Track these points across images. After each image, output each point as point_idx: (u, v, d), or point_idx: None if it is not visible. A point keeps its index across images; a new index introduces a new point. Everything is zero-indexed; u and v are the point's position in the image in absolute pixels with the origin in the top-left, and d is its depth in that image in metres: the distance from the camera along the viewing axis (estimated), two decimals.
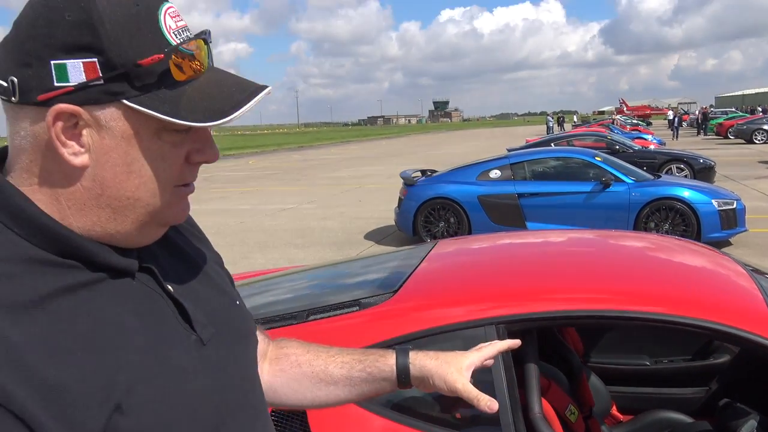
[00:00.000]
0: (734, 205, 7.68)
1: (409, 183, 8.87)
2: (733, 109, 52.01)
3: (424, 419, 1.74)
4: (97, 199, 0.69)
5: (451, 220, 8.47)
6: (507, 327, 1.76)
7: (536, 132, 41.25)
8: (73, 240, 0.68)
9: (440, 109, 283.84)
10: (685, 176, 12.23)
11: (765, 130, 28.23)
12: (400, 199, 8.97)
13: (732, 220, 7.63)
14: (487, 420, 1.70)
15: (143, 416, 0.66)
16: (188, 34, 0.71)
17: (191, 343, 0.75)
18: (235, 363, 0.82)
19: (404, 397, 1.79)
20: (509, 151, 12.81)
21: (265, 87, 0.72)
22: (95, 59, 0.64)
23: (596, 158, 8.62)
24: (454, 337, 1.79)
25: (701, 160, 13.04)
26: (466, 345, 1.79)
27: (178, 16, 0.70)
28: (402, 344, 1.77)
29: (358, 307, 1.92)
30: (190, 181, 0.75)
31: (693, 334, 2.43)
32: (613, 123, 30.00)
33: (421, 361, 1.03)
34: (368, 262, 2.81)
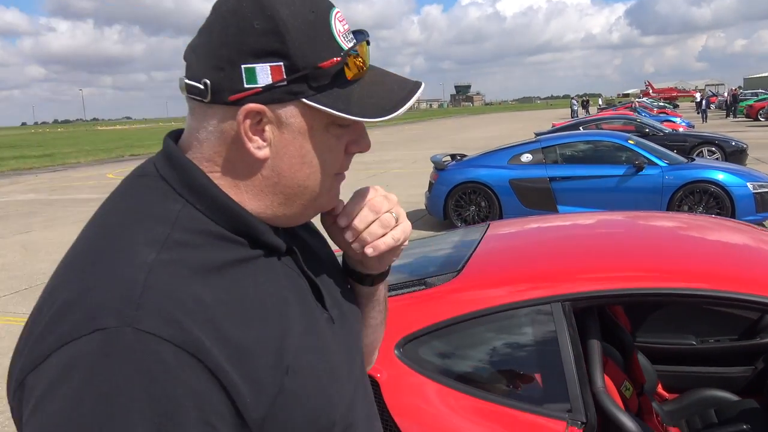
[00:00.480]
0: None
1: (439, 167, 8.91)
2: (763, 91, 50.93)
3: (496, 392, 1.82)
4: (273, 187, 0.77)
5: (482, 204, 8.51)
6: (573, 304, 1.83)
7: (560, 116, 40.82)
8: (247, 219, 0.75)
9: (462, 93, 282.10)
10: (717, 159, 12.10)
11: None
12: (430, 183, 9.02)
13: (767, 202, 7.57)
14: (555, 394, 1.78)
15: (306, 379, 0.74)
16: (352, 36, 0.77)
17: (325, 320, 0.82)
18: (356, 343, 0.91)
19: (475, 371, 1.87)
20: (537, 135, 12.77)
21: (420, 83, 0.80)
22: (281, 63, 0.71)
23: (629, 141, 8.57)
24: (520, 314, 1.87)
25: (733, 143, 12.87)
26: (533, 322, 1.88)
27: (344, 19, 0.77)
28: (467, 322, 1.87)
29: (424, 286, 2.01)
30: (345, 170, 0.83)
31: (751, 309, 2.48)
32: (632, 107, 29.46)
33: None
34: (424, 243, 2.90)
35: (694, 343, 3.01)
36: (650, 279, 1.91)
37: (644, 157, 8.18)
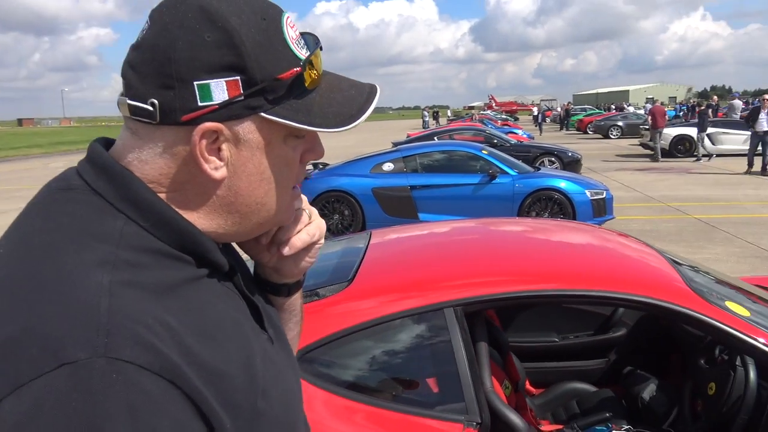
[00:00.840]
0: (604, 195, 8.42)
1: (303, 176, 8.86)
2: (591, 107, 56.26)
3: (394, 400, 1.84)
4: (228, 206, 0.72)
5: (346, 212, 8.60)
6: (464, 309, 1.90)
7: (413, 126, 42.33)
8: (196, 237, 0.70)
9: None
10: (556, 168, 13.16)
11: (619, 126, 30.81)
12: None
13: (602, 208, 8.36)
14: (451, 397, 1.84)
15: (276, 400, 0.71)
16: (303, 41, 0.73)
17: (265, 340, 0.77)
18: (293, 359, 0.87)
19: (373, 380, 1.88)
20: (395, 144, 13.15)
21: (376, 87, 0.77)
22: (238, 77, 0.66)
23: (483, 151, 9.09)
24: (414, 320, 1.91)
25: (569, 154, 14.07)
26: (429, 327, 1.93)
27: (295, 25, 0.73)
28: (363, 331, 1.88)
29: (317, 297, 1.99)
30: (301, 180, 0.79)
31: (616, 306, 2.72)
32: (472, 119, 31.51)
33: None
34: None
35: (557, 340, 3.25)
36: (534, 281, 2.03)
37: (497, 166, 8.71)
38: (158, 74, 0.65)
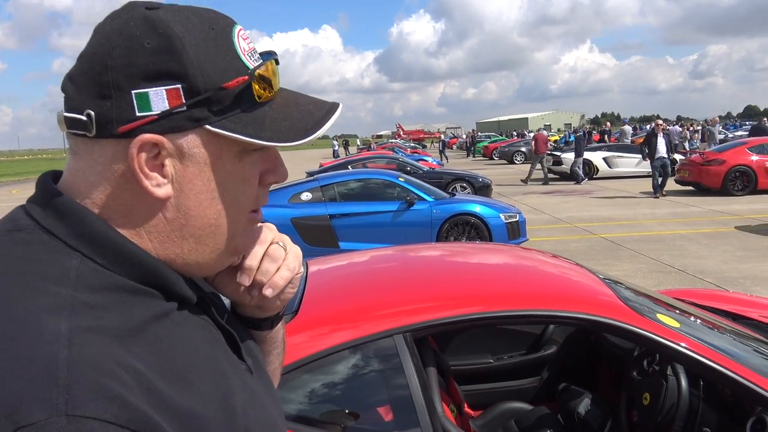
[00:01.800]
0: (517, 218, 8.72)
1: None
2: (494, 134, 58.46)
3: (350, 431, 1.80)
4: (180, 230, 0.66)
5: None
6: (413, 334, 1.90)
7: (323, 155, 42.41)
8: (159, 268, 0.65)
9: None
10: (468, 193, 13.54)
11: (522, 152, 32.18)
12: None
13: (516, 231, 8.65)
14: (405, 424, 1.82)
15: None
16: (258, 56, 0.69)
17: (244, 371, 0.73)
18: (273, 390, 0.83)
19: (327, 412, 1.83)
20: (309, 174, 13.11)
21: (337, 104, 0.73)
22: (178, 85, 0.61)
23: (399, 179, 9.22)
24: (366, 348, 1.88)
25: (480, 179, 14.51)
26: (379, 355, 1.91)
27: (249, 38, 0.69)
28: (316, 362, 1.83)
29: None
30: (262, 205, 0.73)
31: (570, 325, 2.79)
32: (370, 147, 32.39)
33: None
34: None
35: (491, 361, 3.30)
36: (483, 303, 2.06)
37: (414, 193, 8.84)
38: (95, 84, 0.61)
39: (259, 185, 0.71)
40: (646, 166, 20.12)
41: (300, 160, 43.84)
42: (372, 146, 38.35)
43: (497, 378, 3.25)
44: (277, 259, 0.78)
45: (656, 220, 11.52)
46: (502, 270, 2.72)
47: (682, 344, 1.97)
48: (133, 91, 0.60)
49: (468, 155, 42.95)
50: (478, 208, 8.71)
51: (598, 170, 20.12)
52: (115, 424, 0.50)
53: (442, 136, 47.68)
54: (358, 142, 61.93)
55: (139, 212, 0.65)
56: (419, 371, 1.85)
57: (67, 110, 0.62)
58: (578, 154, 19.40)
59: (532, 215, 12.28)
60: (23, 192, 28.18)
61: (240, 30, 0.68)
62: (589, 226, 11.01)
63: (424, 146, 53.90)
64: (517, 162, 31.92)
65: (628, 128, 26.41)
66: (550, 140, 23.64)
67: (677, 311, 2.47)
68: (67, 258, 0.60)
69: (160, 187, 0.63)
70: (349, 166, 15.61)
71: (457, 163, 33.47)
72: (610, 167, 20.16)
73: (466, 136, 49.47)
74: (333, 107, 0.72)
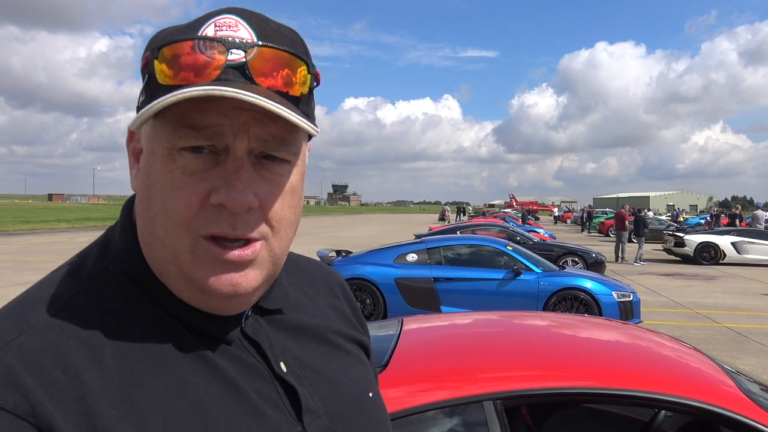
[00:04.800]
0: (631, 298, 8.23)
1: (326, 263, 8.84)
2: (611, 210, 56.37)
3: None
4: (143, 236, 0.63)
5: (367, 301, 8.48)
6: (504, 402, 1.80)
7: (432, 220, 42.61)
8: (163, 296, 0.63)
9: (339, 192, 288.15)
10: (580, 269, 13.00)
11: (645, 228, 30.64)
12: None
13: (629, 311, 8.15)
14: None
15: None
16: (222, 43, 0.58)
17: None
18: None
19: None
20: (417, 236, 13.16)
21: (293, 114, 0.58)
22: (145, 75, 0.60)
23: (507, 247, 9.03)
24: (453, 412, 1.80)
25: (593, 255, 13.94)
26: (466, 421, 1.82)
27: (230, 27, 0.59)
28: (397, 420, 1.77)
29: None
30: (222, 234, 0.59)
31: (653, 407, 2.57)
32: (483, 214, 32.25)
33: None
34: None
35: None
36: (577, 377, 1.92)
37: (522, 262, 8.61)
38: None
39: (210, 204, 0.59)
40: None
41: (410, 223, 44.29)
42: (484, 215, 38.24)
43: None
44: None
45: None
46: (613, 346, 2.54)
47: None
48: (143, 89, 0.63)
49: (582, 230, 41.55)
50: (588, 284, 8.32)
51: (725, 255, 18.75)
52: (11, 414, 0.51)
53: (556, 210, 46.60)
54: (470, 210, 61.87)
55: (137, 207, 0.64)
56: None
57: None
58: (639, 234, 18.94)
59: (648, 297, 11.57)
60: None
61: (222, 18, 0.60)
62: (712, 314, 10.19)
63: (537, 218, 52.85)
64: (634, 241, 30.44)
65: (761, 213, 24.54)
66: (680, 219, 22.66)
67: None
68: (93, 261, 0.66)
69: (134, 178, 0.63)
70: (458, 232, 15.53)
71: (571, 237, 32.41)
72: (739, 253, 18.74)
73: (582, 211, 48.03)
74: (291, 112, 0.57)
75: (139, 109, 0.58)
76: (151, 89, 0.58)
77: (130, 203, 0.65)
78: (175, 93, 0.54)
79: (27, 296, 0.60)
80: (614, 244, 19.87)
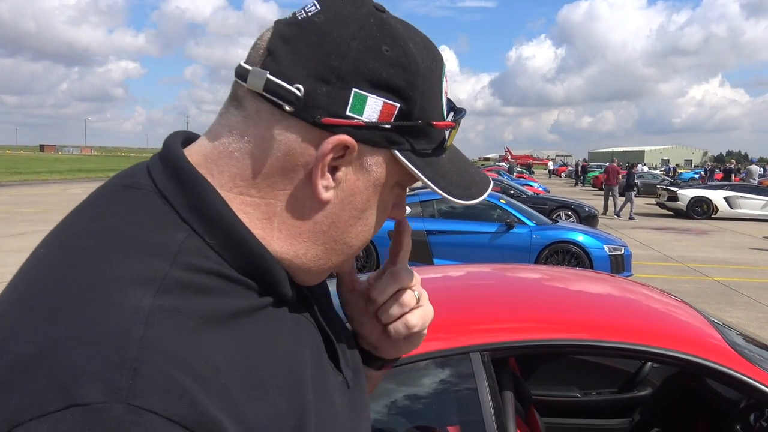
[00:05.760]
0: (622, 251, 8.29)
1: None
2: (606, 164, 56.36)
3: None
4: (317, 235, 0.62)
5: (360, 254, 8.50)
6: (491, 354, 1.80)
7: None
8: (269, 264, 0.59)
9: None
10: (573, 222, 13.06)
11: (636, 184, 30.73)
12: None
13: (620, 264, 8.22)
14: None
15: None
16: (447, 98, 0.66)
17: (339, 384, 0.67)
18: (367, 410, 0.75)
19: (389, 423, 1.77)
20: (411, 189, 13.15)
21: (489, 180, 0.71)
22: (398, 104, 0.58)
23: (500, 200, 9.03)
24: (440, 363, 1.81)
25: (587, 208, 13.98)
26: (453, 372, 1.83)
27: (447, 80, 0.67)
28: (391, 369, 1.78)
29: None
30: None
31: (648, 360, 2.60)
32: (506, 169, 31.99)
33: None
34: None
35: (578, 395, 3.11)
36: (565, 330, 1.93)
37: (514, 216, 8.63)
38: (319, 62, 0.56)
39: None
40: None
41: None
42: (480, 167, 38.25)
43: (583, 415, 3.06)
44: (404, 306, 0.73)
45: None
46: (602, 299, 2.55)
47: None
48: (354, 89, 0.57)
49: (576, 184, 41.61)
50: (580, 237, 8.36)
51: (717, 210, 18.86)
52: (180, 425, 0.44)
53: (551, 164, 46.49)
54: None
55: (286, 202, 0.60)
56: (494, 394, 1.75)
57: (272, 73, 0.56)
58: (629, 188, 18.68)
59: (640, 250, 11.66)
60: None
61: (445, 71, 0.65)
62: (702, 268, 10.30)
63: (532, 172, 52.81)
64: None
65: (755, 168, 24.61)
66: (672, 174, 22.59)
67: None
68: (175, 230, 0.55)
69: (326, 189, 0.59)
70: None
71: (565, 191, 32.47)
72: (731, 208, 18.85)
73: (576, 165, 47.98)
74: (487, 180, 0.70)
75: (415, 151, 0.62)
76: (434, 144, 0.63)
77: (201, 177, 0.59)
78: (478, 199, 0.66)
79: (108, 270, 0.51)
80: (610, 198, 19.79)
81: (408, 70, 0.58)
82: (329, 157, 0.58)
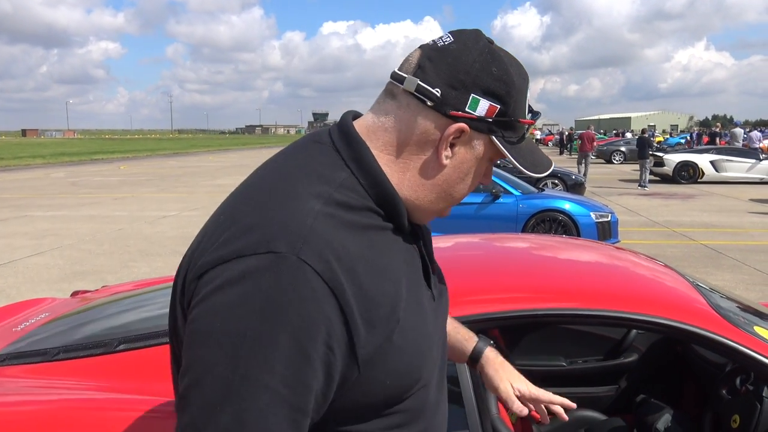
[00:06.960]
0: (609, 218, 8.27)
1: None
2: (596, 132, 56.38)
3: None
4: (432, 187, 0.92)
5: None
6: (471, 327, 1.74)
7: None
8: (396, 201, 0.89)
9: (320, 120, 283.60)
10: (560, 190, 13.03)
11: (622, 151, 30.82)
12: None
13: (607, 231, 8.21)
14: (454, 423, 1.67)
15: (408, 337, 0.85)
16: (529, 104, 0.95)
17: (428, 296, 0.95)
18: (444, 322, 1.05)
19: None
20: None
21: (551, 161, 0.99)
22: (498, 105, 0.88)
23: None
24: None
25: (573, 177, 13.96)
26: None
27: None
28: None
29: None
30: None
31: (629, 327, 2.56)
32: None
33: (487, 363, 1.35)
34: None
35: (564, 364, 3.07)
36: (549, 299, 1.87)
37: (500, 186, 8.57)
38: (452, 76, 0.87)
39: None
40: (758, 172, 18.73)
41: None
42: None
43: (569, 383, 3.02)
44: (521, 412, 1.28)
45: (765, 230, 10.63)
46: (587, 267, 2.49)
47: None
48: (472, 94, 0.87)
49: (562, 152, 41.55)
50: (567, 205, 8.33)
51: (703, 174, 18.93)
52: (320, 276, 0.76)
53: (538, 133, 46.35)
54: None
55: (417, 164, 0.91)
56: (473, 371, 1.69)
57: (422, 80, 0.87)
58: (642, 156, 17.82)
59: (627, 216, 11.68)
60: (131, 168, 29.93)
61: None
62: (688, 232, 10.32)
63: None
64: (615, 162, 30.61)
65: (739, 131, 24.60)
66: (655, 140, 22.45)
67: None
68: (340, 170, 0.87)
69: (447, 158, 0.90)
70: None
71: (552, 160, 32.43)
72: (717, 171, 18.91)
73: (560, 133, 47.86)
74: (550, 163, 0.99)
75: (504, 138, 0.91)
76: (518, 135, 0.92)
77: (362, 141, 0.91)
78: (545, 173, 0.96)
79: (300, 186, 0.84)
80: (583, 164, 19.29)
81: (507, 84, 0.88)
82: (451, 137, 0.89)
